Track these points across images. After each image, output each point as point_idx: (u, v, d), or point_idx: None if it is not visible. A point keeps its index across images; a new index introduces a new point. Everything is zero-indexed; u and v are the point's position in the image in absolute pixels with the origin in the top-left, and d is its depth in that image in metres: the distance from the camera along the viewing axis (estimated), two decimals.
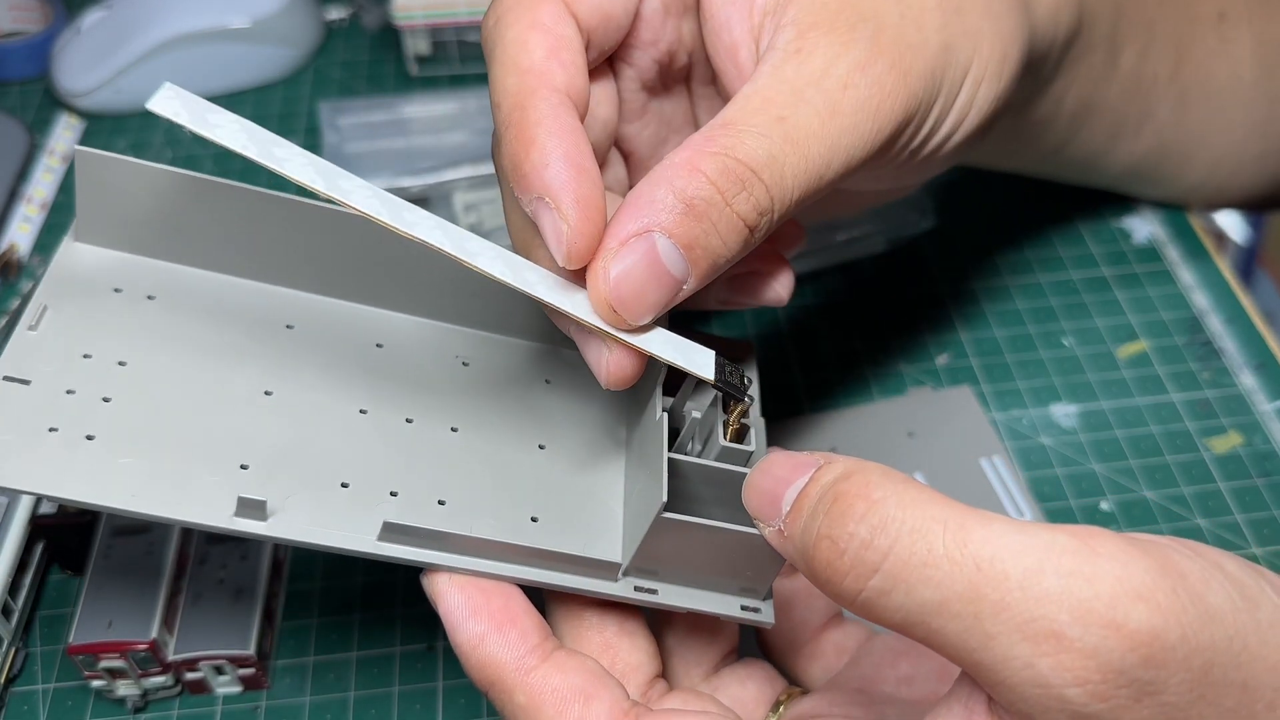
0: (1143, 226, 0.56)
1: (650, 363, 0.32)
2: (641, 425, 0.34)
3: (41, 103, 0.65)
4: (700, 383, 0.32)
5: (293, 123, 0.64)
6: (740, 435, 0.32)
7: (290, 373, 0.33)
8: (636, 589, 0.31)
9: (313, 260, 0.35)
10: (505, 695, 0.29)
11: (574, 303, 0.30)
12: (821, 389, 0.50)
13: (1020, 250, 0.56)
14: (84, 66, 0.63)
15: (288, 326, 0.34)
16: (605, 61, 0.35)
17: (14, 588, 0.41)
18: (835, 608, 0.35)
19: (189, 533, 0.41)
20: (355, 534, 0.30)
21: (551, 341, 0.37)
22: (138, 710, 0.40)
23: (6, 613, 0.41)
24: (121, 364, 0.32)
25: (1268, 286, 0.76)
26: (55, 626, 0.42)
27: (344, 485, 0.31)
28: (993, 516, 0.24)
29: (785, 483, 0.28)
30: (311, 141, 0.62)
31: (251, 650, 0.39)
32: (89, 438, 0.30)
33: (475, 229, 0.53)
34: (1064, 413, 0.49)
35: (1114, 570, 0.23)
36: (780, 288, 0.36)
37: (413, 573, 0.43)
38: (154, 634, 0.38)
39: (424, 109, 0.61)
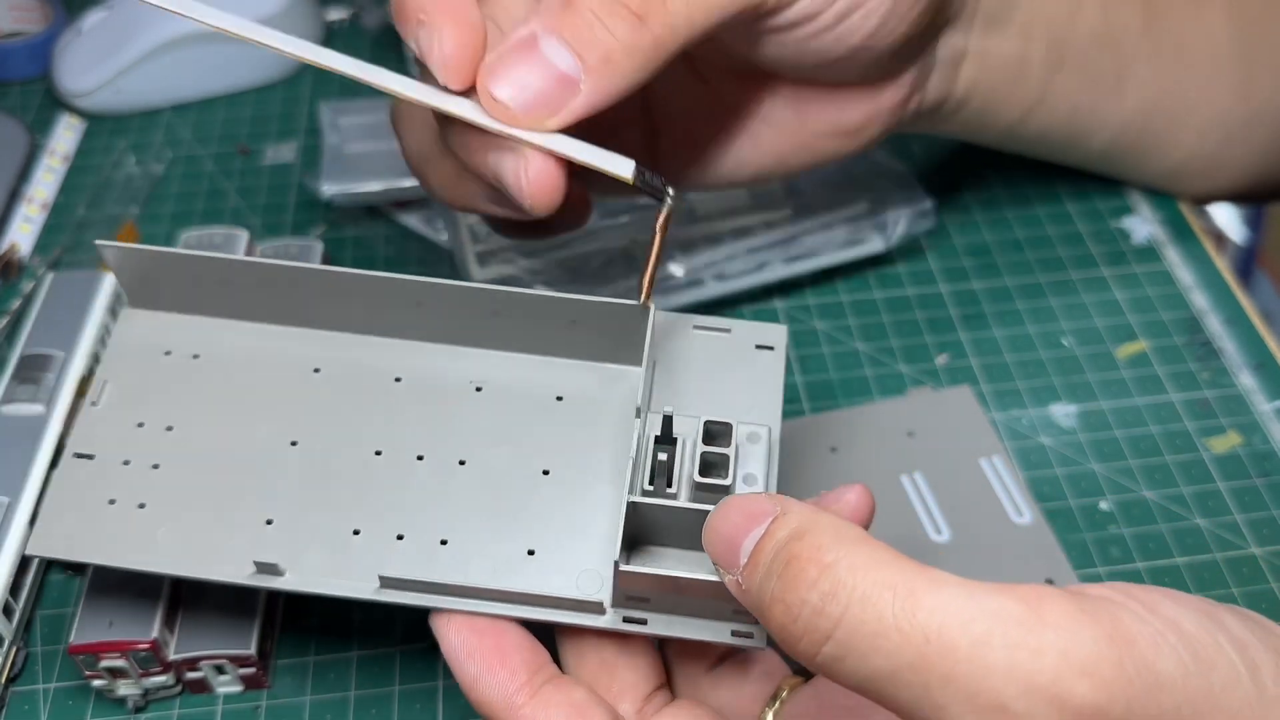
0: (1142, 227, 0.56)
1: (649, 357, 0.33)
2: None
3: (42, 103, 0.65)
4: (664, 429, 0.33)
5: (293, 123, 0.64)
6: (661, 256, 0.33)
7: (314, 420, 0.36)
8: (626, 619, 0.32)
9: (333, 308, 0.37)
10: None
11: (467, 108, 0.31)
12: (821, 389, 0.50)
13: (1020, 250, 0.56)
14: (85, 67, 0.64)
15: (315, 370, 0.37)
16: None
17: (15, 587, 0.41)
18: None
19: None
20: (360, 584, 0.33)
21: (565, 355, 0.37)
22: (138, 710, 0.40)
23: (7, 612, 0.41)
24: (169, 429, 0.36)
25: (1267, 287, 0.76)
26: (56, 626, 0.42)
27: (355, 533, 0.34)
28: (943, 580, 0.24)
29: (743, 531, 0.27)
30: (312, 142, 0.62)
31: (252, 650, 0.39)
32: (140, 506, 0.34)
33: (475, 229, 0.53)
34: (1064, 412, 0.49)
35: (1059, 642, 0.22)
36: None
37: None
38: (155, 633, 0.38)
39: None
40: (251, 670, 0.40)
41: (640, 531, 0.33)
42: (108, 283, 0.48)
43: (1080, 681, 0.22)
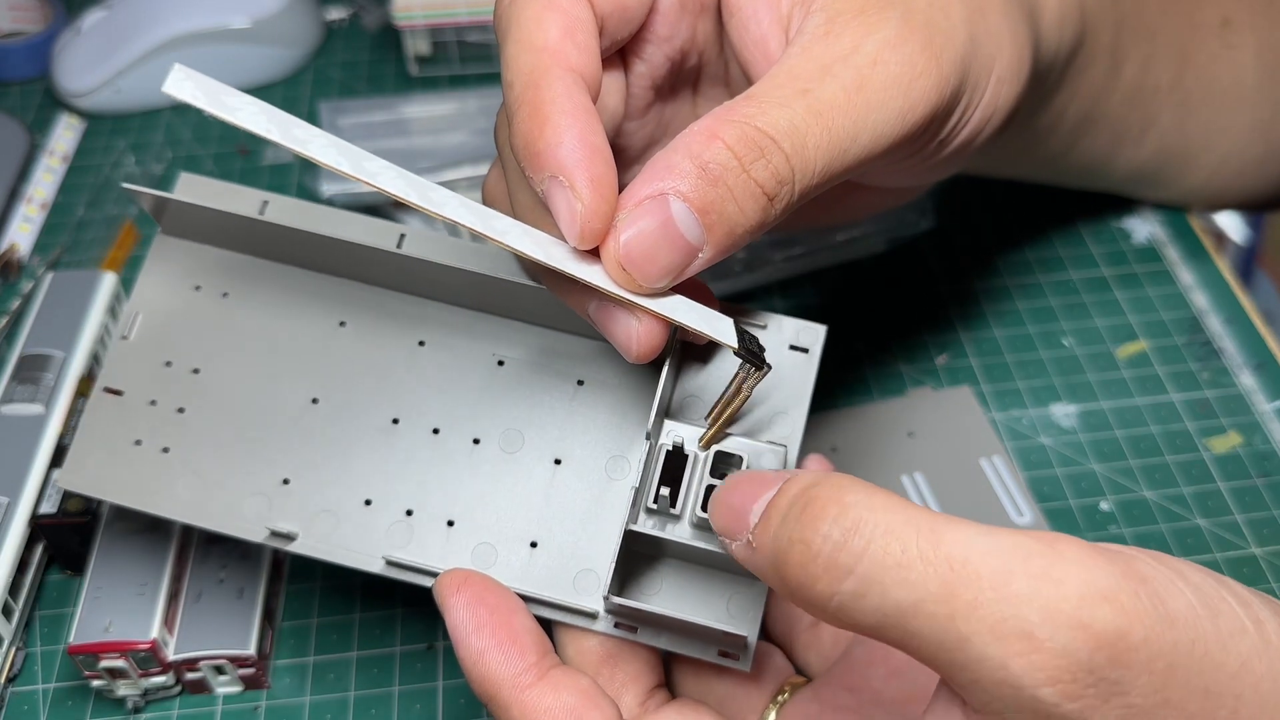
0: (1142, 227, 0.56)
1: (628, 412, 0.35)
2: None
3: (42, 103, 0.65)
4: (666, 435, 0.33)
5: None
6: (736, 414, 0.33)
7: (336, 378, 0.36)
8: (617, 625, 0.32)
9: (367, 258, 0.36)
10: (501, 710, 0.30)
11: (590, 272, 0.30)
12: (821, 389, 0.50)
13: (1020, 250, 0.56)
14: (84, 67, 0.64)
15: (341, 324, 0.37)
16: (617, 54, 0.34)
17: (14, 587, 0.41)
18: None
19: (189, 532, 0.41)
20: (366, 555, 0.34)
21: (591, 335, 0.36)
22: (138, 710, 0.40)
23: (7, 612, 0.41)
24: (195, 371, 0.36)
25: (1267, 287, 0.76)
26: (55, 626, 0.42)
27: (367, 502, 0.34)
28: (961, 521, 0.24)
29: (753, 497, 0.27)
30: None
31: (252, 650, 0.39)
32: (165, 450, 0.35)
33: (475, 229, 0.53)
34: (1064, 413, 0.49)
35: (1079, 573, 0.23)
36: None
37: None
38: (154, 634, 0.38)
39: (424, 109, 0.61)
40: (251, 670, 0.40)
41: (641, 546, 0.33)
42: (107, 282, 0.48)
43: (1101, 607, 0.23)
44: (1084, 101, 0.45)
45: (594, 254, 0.30)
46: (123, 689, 0.39)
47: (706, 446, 0.33)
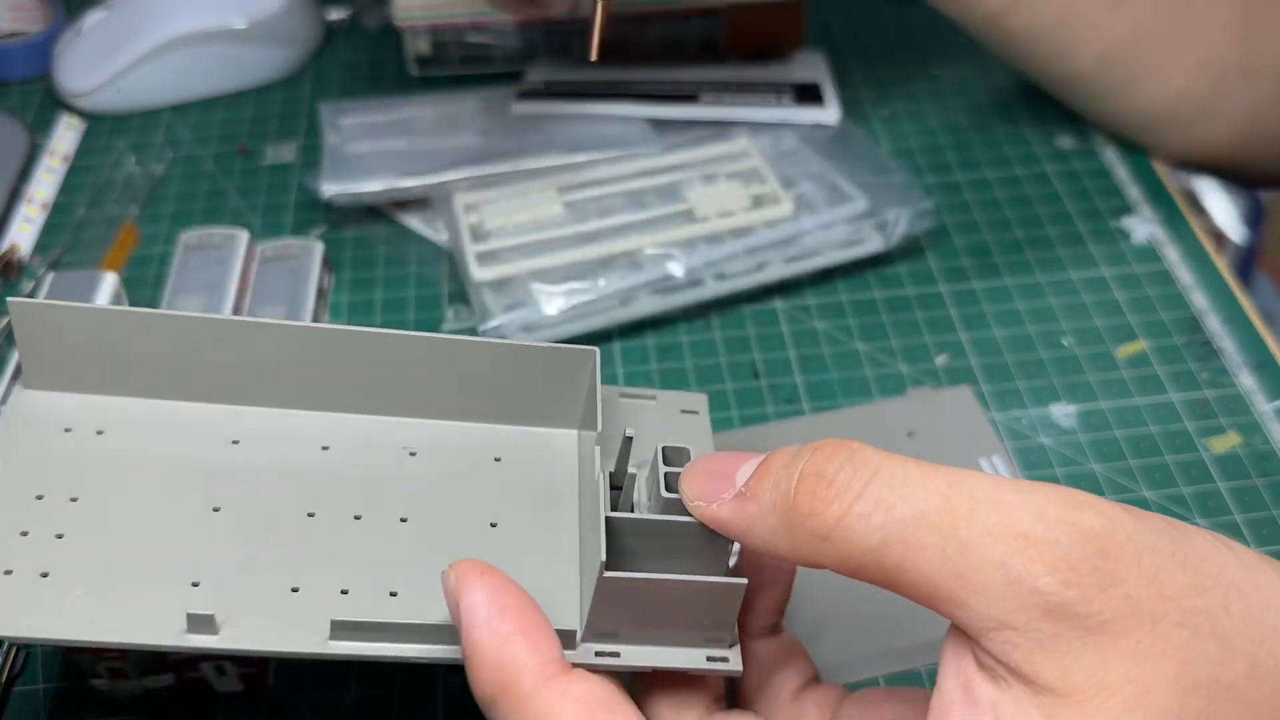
0: (1142, 226, 0.56)
1: (587, 412, 0.35)
2: (587, 491, 0.34)
3: (42, 103, 0.65)
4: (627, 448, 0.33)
5: (293, 123, 0.64)
6: (603, 28, 0.35)
7: (237, 487, 0.34)
8: (598, 654, 0.31)
9: (252, 374, 0.36)
10: (518, 702, 0.27)
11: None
12: (821, 389, 0.50)
13: (1020, 250, 0.56)
14: (85, 67, 0.64)
15: (233, 442, 0.35)
16: None
17: None
18: (813, 668, 0.34)
19: None
20: (306, 636, 0.30)
21: (501, 420, 0.37)
22: (139, 710, 0.40)
23: None
24: (74, 500, 0.33)
25: (1266, 287, 0.76)
26: None
27: (294, 590, 0.32)
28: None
29: (736, 461, 0.28)
30: (312, 142, 0.62)
31: None
32: (43, 575, 0.31)
33: (475, 229, 0.53)
34: (1063, 413, 0.49)
35: (1057, 489, 0.25)
36: None
37: None
38: None
39: (425, 110, 0.61)
40: (252, 670, 0.40)
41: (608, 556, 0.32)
42: (108, 282, 0.48)
43: (1085, 510, 0.24)
44: None
45: None
46: (124, 689, 0.39)
47: (596, 56, 0.35)
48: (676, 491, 0.31)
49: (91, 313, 0.34)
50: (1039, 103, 0.63)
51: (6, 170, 0.60)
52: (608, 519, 0.30)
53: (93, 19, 0.65)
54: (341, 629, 0.30)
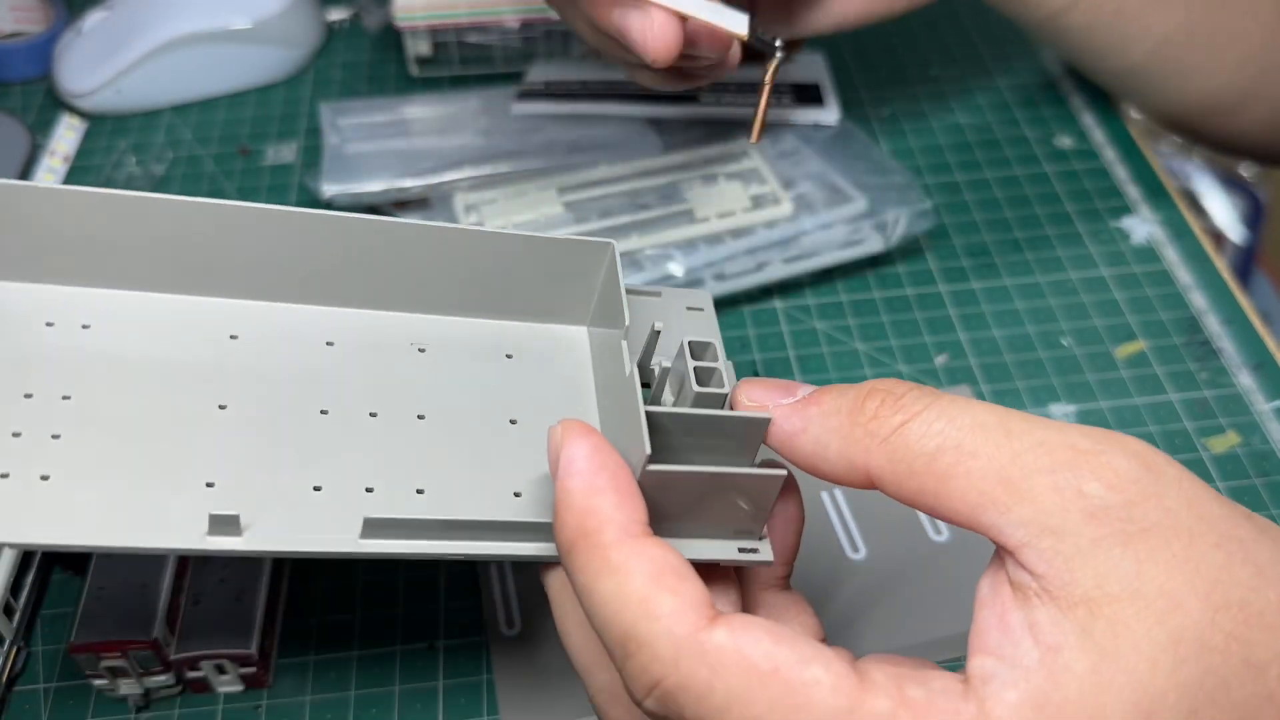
0: (1141, 227, 0.57)
1: (609, 302, 0.33)
2: (612, 386, 0.33)
3: (43, 103, 0.65)
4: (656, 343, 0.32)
5: (293, 124, 0.64)
6: (765, 111, 0.39)
7: (242, 384, 0.32)
8: None
9: (247, 266, 0.33)
10: (597, 552, 0.27)
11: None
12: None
13: (1019, 250, 0.56)
14: (85, 67, 0.64)
15: (232, 337, 0.33)
16: None
17: (15, 587, 0.41)
18: (821, 627, 0.33)
19: None
20: (337, 535, 0.29)
21: (508, 316, 0.36)
22: (139, 709, 0.40)
23: (8, 612, 0.41)
24: (65, 398, 0.31)
25: (1265, 287, 0.76)
26: (57, 626, 0.42)
27: (316, 489, 0.30)
28: None
29: (798, 385, 0.30)
30: (312, 142, 0.62)
31: (253, 649, 0.39)
32: (44, 478, 0.29)
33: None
34: (1063, 412, 0.49)
35: (1098, 428, 0.26)
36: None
37: (414, 571, 0.44)
38: (156, 633, 0.38)
39: (425, 110, 0.61)
40: (252, 670, 0.40)
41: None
42: None
43: (1131, 441, 0.26)
44: None
45: None
46: (124, 688, 0.39)
47: (756, 139, 0.39)
48: (708, 385, 0.31)
49: (70, 194, 0.32)
50: (1038, 103, 0.63)
51: (7, 170, 0.60)
52: (648, 413, 0.29)
53: (93, 19, 0.65)
54: (374, 527, 0.29)
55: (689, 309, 0.36)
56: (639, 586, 0.26)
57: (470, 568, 0.44)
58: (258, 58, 0.65)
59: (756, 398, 0.30)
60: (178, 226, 0.32)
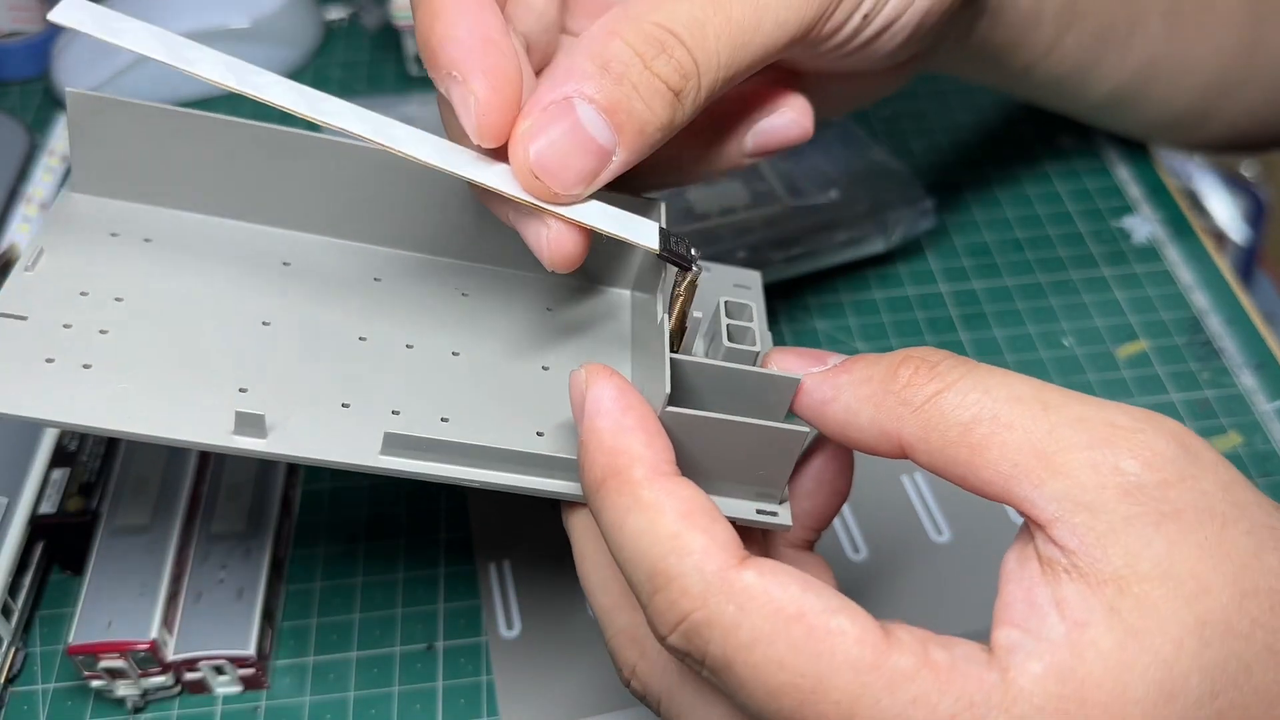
0: (1142, 226, 0.56)
1: (652, 266, 0.32)
2: (644, 335, 0.33)
3: (41, 103, 0.65)
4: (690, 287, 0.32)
5: (292, 123, 0.64)
6: (684, 317, 0.32)
7: (287, 304, 0.34)
8: None
9: (308, 198, 0.35)
10: (627, 488, 0.27)
11: (503, 179, 0.30)
12: None
13: (1020, 250, 0.56)
14: (84, 67, 0.64)
15: (284, 264, 0.35)
16: None
17: (14, 588, 0.41)
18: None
19: (189, 531, 0.41)
20: (357, 448, 0.30)
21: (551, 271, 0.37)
22: (137, 710, 0.40)
23: (6, 613, 0.41)
24: (118, 299, 0.32)
25: (1267, 287, 0.76)
26: (55, 626, 0.42)
27: (344, 405, 0.31)
28: None
29: (830, 354, 0.29)
30: None
31: (251, 650, 0.39)
32: (86, 366, 0.30)
33: None
34: None
35: (1137, 407, 0.26)
36: (792, 114, 0.36)
37: (413, 571, 0.43)
38: (154, 634, 0.38)
39: (423, 109, 0.61)
40: (250, 671, 0.40)
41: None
42: None
43: (1168, 420, 0.26)
44: None
45: (503, 156, 0.30)
46: (122, 689, 0.39)
47: (672, 347, 0.32)
48: (739, 342, 0.31)
49: (150, 110, 0.34)
50: None
51: (5, 170, 0.60)
52: (672, 359, 0.29)
53: None
54: (394, 443, 0.30)
55: (736, 285, 0.37)
56: (670, 523, 0.26)
57: (470, 567, 0.44)
58: (256, 57, 0.65)
59: (789, 365, 0.30)
60: (244, 151, 0.34)
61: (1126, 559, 0.24)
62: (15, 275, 0.32)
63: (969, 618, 0.37)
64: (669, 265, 0.32)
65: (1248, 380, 0.50)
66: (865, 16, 0.35)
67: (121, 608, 0.38)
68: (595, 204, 0.30)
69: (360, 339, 0.33)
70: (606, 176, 0.30)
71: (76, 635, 0.38)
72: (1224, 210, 0.72)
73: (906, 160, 0.60)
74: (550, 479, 0.31)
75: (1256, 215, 0.76)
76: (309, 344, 0.33)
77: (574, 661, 0.41)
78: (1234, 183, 0.76)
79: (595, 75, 0.29)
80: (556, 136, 0.29)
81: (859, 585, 0.43)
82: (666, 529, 0.26)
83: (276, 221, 0.36)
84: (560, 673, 0.41)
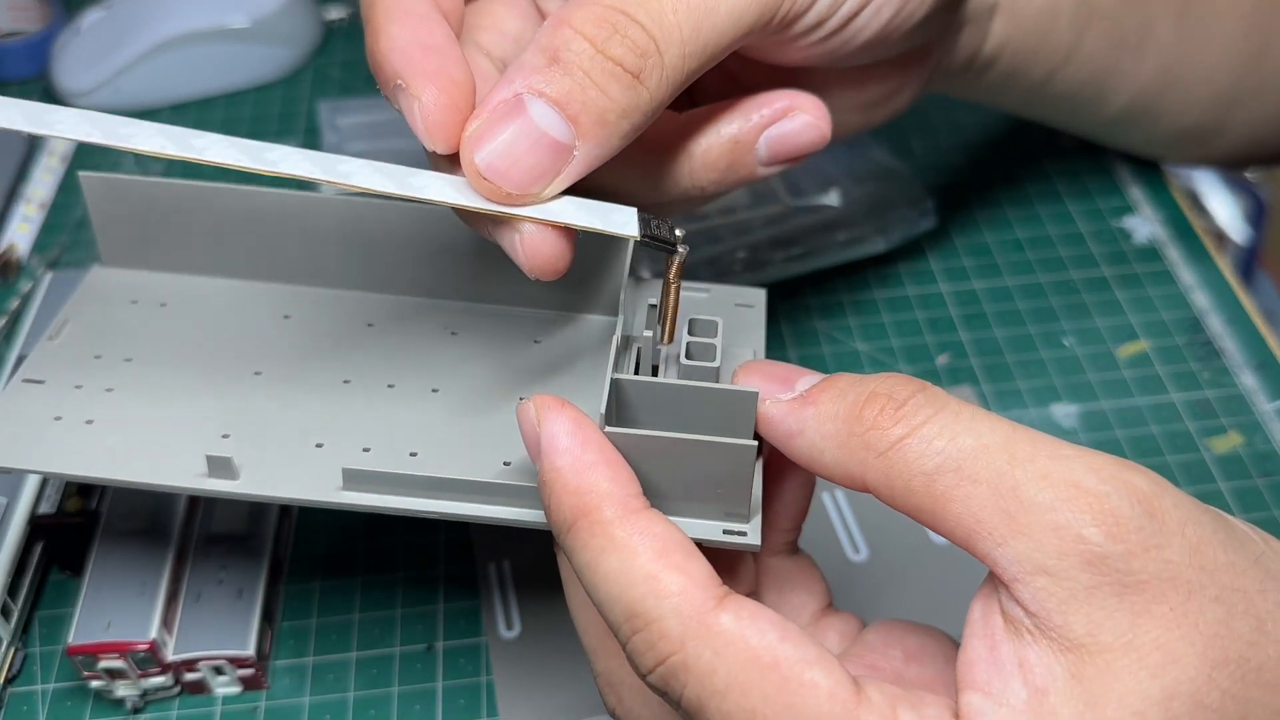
0: (1143, 226, 0.56)
1: (629, 284, 0.33)
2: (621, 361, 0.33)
3: (41, 102, 0.65)
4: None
5: (292, 123, 0.64)
6: (676, 309, 0.31)
7: (282, 355, 0.36)
8: None
9: (305, 253, 0.37)
10: (598, 529, 0.26)
11: (466, 193, 0.29)
12: None
13: (1020, 250, 0.56)
14: (83, 66, 0.63)
15: (285, 317, 0.37)
16: None
17: (13, 588, 0.41)
18: (829, 593, 0.34)
19: (188, 532, 0.41)
20: (321, 485, 0.31)
21: (542, 306, 0.37)
22: (137, 711, 0.40)
23: (6, 613, 0.41)
24: (128, 360, 0.36)
25: (1268, 287, 0.75)
26: (54, 627, 0.42)
27: (318, 445, 0.33)
28: None
29: (798, 373, 0.29)
30: (311, 141, 0.62)
31: (251, 651, 0.39)
32: (89, 422, 0.34)
33: None
34: (1064, 413, 0.49)
35: (1111, 456, 0.25)
36: (807, 116, 0.34)
37: (413, 571, 0.43)
38: (153, 634, 0.38)
39: None
40: (250, 671, 0.39)
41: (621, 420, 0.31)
42: None
43: (1138, 474, 0.25)
44: None
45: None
46: (122, 690, 0.39)
47: (667, 341, 0.32)
48: (699, 359, 0.31)
49: (156, 185, 0.36)
50: None
51: (5, 170, 0.60)
52: (613, 380, 0.29)
53: (91, 18, 0.65)
54: (354, 478, 0.31)
55: (738, 305, 0.37)
56: (645, 563, 0.25)
57: (469, 568, 0.43)
58: (256, 56, 0.65)
59: (753, 384, 0.29)
60: (241, 215, 0.37)
61: (1089, 628, 0.24)
62: (40, 345, 0.36)
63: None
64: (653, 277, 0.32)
65: (1248, 380, 0.50)
66: None
67: (121, 608, 0.38)
68: (566, 200, 0.29)
69: (345, 382, 0.35)
70: (573, 173, 0.29)
71: (76, 636, 0.38)
72: (1225, 210, 0.72)
73: (907, 160, 0.60)
74: (513, 508, 0.31)
75: (1257, 215, 0.76)
76: (294, 390, 0.35)
77: (574, 661, 0.41)
78: (1235, 183, 0.76)
79: (544, 68, 0.28)
80: (507, 136, 0.28)
81: (859, 585, 0.43)
82: (642, 570, 0.25)
83: (279, 278, 0.38)
84: (560, 673, 0.41)
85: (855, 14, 0.34)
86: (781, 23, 0.33)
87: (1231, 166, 0.61)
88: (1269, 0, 0.51)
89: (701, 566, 0.26)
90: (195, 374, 0.35)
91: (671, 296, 0.31)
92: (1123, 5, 0.48)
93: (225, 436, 0.33)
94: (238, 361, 0.36)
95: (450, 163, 0.30)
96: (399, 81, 0.29)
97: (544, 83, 0.28)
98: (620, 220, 0.30)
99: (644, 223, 0.30)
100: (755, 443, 0.28)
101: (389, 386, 0.35)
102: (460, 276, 0.37)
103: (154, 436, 0.33)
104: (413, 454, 0.33)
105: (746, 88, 0.36)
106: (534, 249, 0.29)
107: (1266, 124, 0.54)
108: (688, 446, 0.28)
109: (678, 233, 0.30)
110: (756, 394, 0.29)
